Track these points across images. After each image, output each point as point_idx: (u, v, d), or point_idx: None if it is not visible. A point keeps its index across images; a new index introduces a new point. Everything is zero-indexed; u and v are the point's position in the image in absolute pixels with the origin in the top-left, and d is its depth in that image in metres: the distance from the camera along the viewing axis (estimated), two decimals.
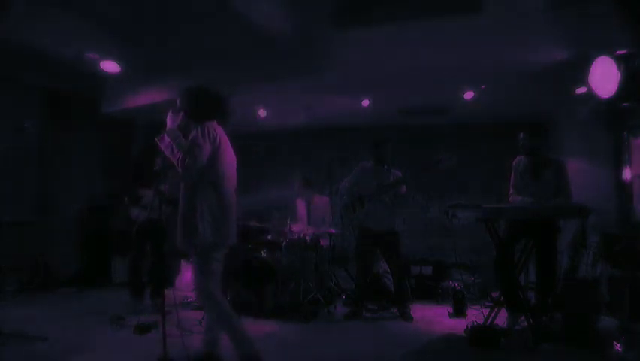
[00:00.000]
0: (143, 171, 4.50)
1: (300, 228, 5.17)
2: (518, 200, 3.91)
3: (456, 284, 5.04)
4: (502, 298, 3.88)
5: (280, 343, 3.58)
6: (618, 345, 3.10)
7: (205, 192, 2.75)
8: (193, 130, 2.79)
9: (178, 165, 2.68)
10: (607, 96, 3.24)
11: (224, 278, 4.84)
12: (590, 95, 3.55)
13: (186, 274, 5.60)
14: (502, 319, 3.82)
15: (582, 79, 3.68)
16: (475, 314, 4.20)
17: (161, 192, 3.81)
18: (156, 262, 4.60)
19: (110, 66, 5.07)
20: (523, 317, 3.74)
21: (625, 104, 3.27)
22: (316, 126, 6.91)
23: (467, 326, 3.66)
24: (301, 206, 5.53)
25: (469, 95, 5.21)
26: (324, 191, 5.59)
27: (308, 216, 5.39)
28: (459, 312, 4.57)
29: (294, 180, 5.61)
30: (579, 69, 3.69)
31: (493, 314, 3.75)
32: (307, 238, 4.96)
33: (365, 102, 5.67)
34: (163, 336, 2.79)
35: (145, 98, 5.80)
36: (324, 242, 5.14)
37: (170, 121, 2.85)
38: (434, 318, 4.49)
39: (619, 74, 3.08)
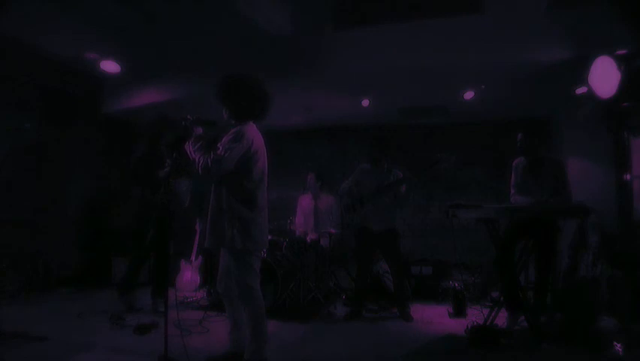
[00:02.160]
0: (146, 171, 4.48)
1: (301, 227, 5.16)
2: (519, 200, 3.91)
3: (456, 284, 5.04)
4: (502, 298, 3.88)
5: (280, 343, 3.57)
6: (618, 345, 3.10)
7: (236, 196, 2.71)
8: (229, 130, 2.73)
9: (198, 168, 2.64)
10: (607, 96, 3.24)
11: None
12: (590, 95, 3.55)
13: (186, 274, 5.61)
14: (502, 319, 3.82)
15: (582, 79, 3.68)
16: (475, 314, 4.20)
17: (169, 191, 3.83)
18: (159, 261, 4.59)
19: (110, 66, 5.07)
20: (523, 317, 3.74)
21: (625, 104, 3.27)
22: (316, 126, 6.92)
23: (467, 326, 3.66)
24: (303, 204, 5.53)
25: (469, 95, 5.21)
26: (323, 190, 5.60)
27: (315, 214, 5.40)
28: (459, 312, 4.57)
29: (303, 175, 5.61)
30: (579, 69, 3.69)
31: (493, 314, 3.75)
32: (307, 238, 4.96)
33: (365, 102, 5.67)
34: (165, 335, 2.79)
35: (145, 98, 5.81)
36: (324, 242, 5.14)
37: (195, 127, 2.78)
38: (434, 318, 4.49)
39: (619, 74, 3.08)
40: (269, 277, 4.59)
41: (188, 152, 2.71)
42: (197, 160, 2.65)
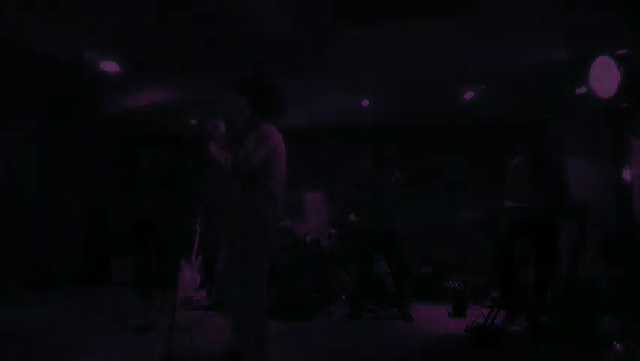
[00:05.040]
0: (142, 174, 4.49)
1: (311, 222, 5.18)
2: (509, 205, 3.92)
3: (456, 284, 5.04)
4: (501, 297, 3.88)
5: (280, 343, 3.57)
6: (618, 345, 3.10)
7: (259, 196, 2.73)
8: (253, 129, 2.77)
9: (227, 166, 2.66)
10: (607, 96, 3.24)
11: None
12: (590, 95, 3.55)
13: (186, 274, 5.60)
14: (502, 319, 3.82)
15: (582, 79, 3.68)
16: (475, 314, 4.20)
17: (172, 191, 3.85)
18: (160, 261, 4.60)
19: (110, 66, 5.06)
20: (522, 317, 3.75)
21: (625, 104, 3.27)
22: (316, 126, 6.91)
23: (467, 326, 3.66)
24: (310, 201, 5.57)
25: (469, 95, 5.21)
26: (321, 190, 5.63)
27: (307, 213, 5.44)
28: (459, 312, 4.57)
29: (301, 176, 5.66)
30: (579, 69, 3.69)
31: (493, 314, 3.75)
32: (307, 238, 4.97)
33: (365, 102, 5.67)
34: (170, 332, 2.82)
35: (145, 98, 5.81)
36: (324, 242, 5.15)
37: (218, 128, 2.78)
38: (434, 318, 4.50)
39: (619, 74, 3.08)
40: (269, 277, 4.58)
41: (212, 152, 2.73)
42: (224, 159, 2.67)
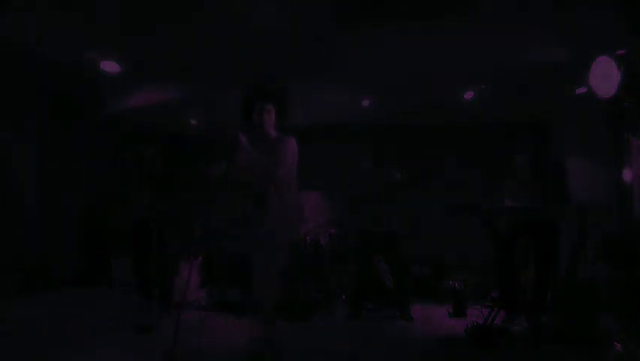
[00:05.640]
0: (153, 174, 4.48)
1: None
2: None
3: (456, 284, 5.03)
4: (501, 297, 3.89)
5: (280, 343, 3.57)
6: (618, 345, 3.10)
7: (283, 200, 2.97)
8: (274, 136, 3.10)
9: (261, 171, 2.91)
10: (607, 96, 3.24)
11: (225, 278, 4.87)
12: (590, 95, 3.55)
13: (186, 274, 5.59)
14: (502, 319, 3.82)
15: (582, 79, 3.68)
16: (475, 314, 4.20)
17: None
18: (160, 261, 4.59)
19: (110, 66, 5.06)
20: (522, 317, 3.75)
21: (625, 104, 3.27)
22: (316, 126, 6.91)
23: (467, 326, 3.66)
24: (310, 201, 5.57)
25: (469, 95, 5.22)
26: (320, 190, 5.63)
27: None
28: (459, 312, 4.57)
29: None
30: (579, 69, 3.69)
31: (493, 314, 3.76)
32: (307, 238, 4.97)
33: (365, 102, 5.67)
34: (173, 332, 2.86)
35: (145, 98, 5.81)
36: (324, 242, 5.15)
37: (241, 140, 2.97)
38: (434, 318, 4.50)
39: (619, 74, 3.08)
40: None
41: (242, 161, 2.90)
42: (257, 164, 2.92)
